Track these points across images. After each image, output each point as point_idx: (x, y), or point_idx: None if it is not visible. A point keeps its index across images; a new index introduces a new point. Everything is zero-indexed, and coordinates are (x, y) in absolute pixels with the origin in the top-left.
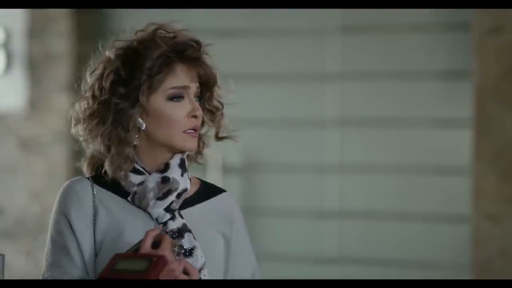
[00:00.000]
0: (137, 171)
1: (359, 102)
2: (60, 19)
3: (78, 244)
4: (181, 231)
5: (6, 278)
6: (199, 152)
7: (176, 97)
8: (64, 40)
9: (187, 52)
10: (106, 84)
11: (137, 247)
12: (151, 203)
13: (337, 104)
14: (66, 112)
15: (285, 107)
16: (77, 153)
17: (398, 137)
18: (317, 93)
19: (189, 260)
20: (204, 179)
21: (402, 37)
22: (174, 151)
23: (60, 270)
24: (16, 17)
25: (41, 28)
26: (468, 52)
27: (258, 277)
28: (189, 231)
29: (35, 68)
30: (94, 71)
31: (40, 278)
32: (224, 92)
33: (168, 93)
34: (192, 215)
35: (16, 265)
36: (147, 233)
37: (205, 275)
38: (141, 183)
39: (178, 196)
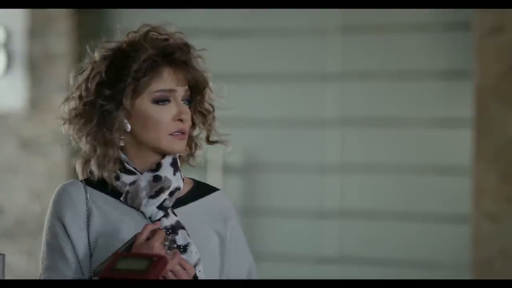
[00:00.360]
0: (129, 172)
1: (360, 102)
2: (61, 19)
3: (73, 246)
4: (175, 228)
5: (6, 278)
6: (191, 154)
7: (161, 100)
8: (65, 40)
9: (174, 56)
10: (92, 85)
11: (130, 243)
12: (144, 201)
13: (338, 104)
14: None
15: (285, 107)
16: (77, 153)
17: (399, 137)
18: (317, 93)
19: (184, 256)
20: (203, 180)
21: (402, 37)
22: (162, 153)
23: (56, 273)
24: (16, 17)
25: (41, 28)
26: (468, 52)
27: (254, 274)
28: (183, 228)
29: (36, 68)
30: (83, 71)
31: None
32: (216, 96)
33: (154, 96)
34: (185, 214)
35: (16, 265)
36: (145, 226)
37: (200, 271)
38: (133, 183)
39: (171, 194)
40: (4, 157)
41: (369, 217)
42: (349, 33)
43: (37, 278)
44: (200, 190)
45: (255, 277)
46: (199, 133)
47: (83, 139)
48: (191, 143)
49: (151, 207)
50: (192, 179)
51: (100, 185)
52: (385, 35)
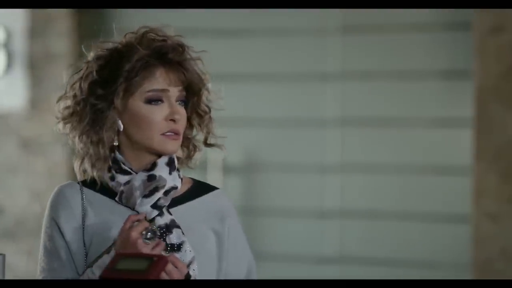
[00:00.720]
0: (124, 172)
1: (360, 102)
2: (61, 19)
3: (68, 246)
4: (169, 227)
5: (6, 278)
6: (189, 156)
7: (154, 100)
8: (65, 40)
9: (168, 56)
10: (85, 84)
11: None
12: (138, 201)
13: (338, 104)
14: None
15: (285, 106)
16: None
17: (399, 137)
18: (317, 93)
19: (178, 254)
20: (203, 180)
21: (402, 37)
22: (155, 153)
23: (52, 274)
24: (16, 17)
25: (41, 28)
26: (468, 52)
27: (254, 272)
28: (178, 226)
29: (36, 68)
30: (79, 70)
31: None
32: (214, 97)
33: (146, 95)
34: (182, 213)
35: (17, 265)
36: (129, 216)
37: (194, 270)
38: (128, 182)
39: (166, 193)
40: (4, 157)
41: (369, 217)
42: (349, 33)
43: (37, 278)
44: (199, 189)
45: (255, 275)
46: (196, 134)
47: (77, 138)
48: (189, 144)
49: (145, 206)
50: (192, 178)
51: (95, 185)
52: (385, 35)
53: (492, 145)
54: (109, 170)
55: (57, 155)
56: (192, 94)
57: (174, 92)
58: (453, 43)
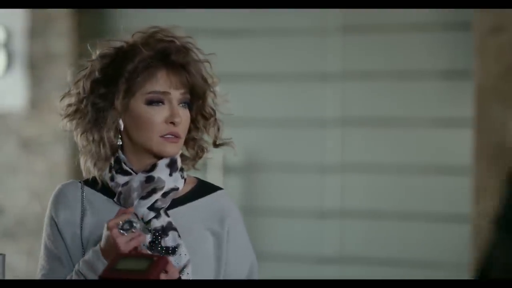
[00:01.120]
0: (124, 172)
1: (360, 102)
2: (61, 19)
3: (67, 245)
4: (165, 230)
5: (6, 278)
6: (196, 158)
7: (154, 102)
8: (65, 40)
9: (170, 58)
10: (88, 82)
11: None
12: (135, 202)
13: (338, 104)
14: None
15: (286, 106)
16: (78, 152)
17: (399, 137)
18: (318, 93)
19: (172, 258)
20: (203, 179)
21: (402, 36)
22: (155, 155)
23: (51, 271)
24: (16, 17)
25: (41, 28)
26: (468, 52)
27: (256, 273)
28: (174, 229)
29: (36, 68)
30: (85, 68)
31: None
32: (221, 101)
33: (146, 97)
34: (182, 214)
35: (17, 265)
36: (119, 210)
37: (189, 273)
38: (126, 183)
39: (164, 195)
40: (4, 157)
41: (369, 217)
42: (350, 33)
43: (36, 278)
44: (201, 190)
45: (256, 276)
46: (202, 135)
47: (79, 135)
48: (195, 145)
49: (142, 208)
50: (197, 178)
51: (96, 185)
52: (385, 35)
53: (492, 144)
54: (110, 170)
55: (57, 155)
56: (196, 97)
57: (176, 94)
58: (453, 43)
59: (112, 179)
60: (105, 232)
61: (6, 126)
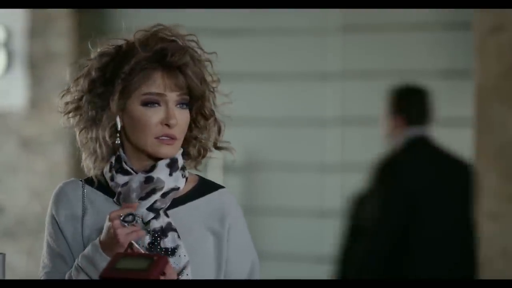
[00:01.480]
0: (125, 172)
1: (360, 101)
2: (61, 19)
3: (68, 244)
4: (165, 231)
5: (6, 277)
6: (199, 157)
7: (150, 103)
8: (65, 40)
9: (166, 59)
10: (86, 81)
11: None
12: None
13: (338, 103)
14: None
15: (286, 106)
16: (78, 152)
17: None
18: (318, 92)
19: (172, 259)
20: (205, 177)
21: (402, 36)
22: (150, 156)
23: (53, 269)
24: (16, 17)
25: (41, 28)
26: (468, 51)
27: (257, 272)
28: (174, 230)
29: (36, 68)
30: (85, 67)
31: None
32: (222, 101)
33: (142, 98)
34: (182, 214)
35: (17, 264)
36: (123, 204)
37: (188, 275)
38: (126, 184)
39: (164, 195)
40: (4, 157)
41: None
42: (350, 32)
43: (38, 277)
44: (202, 188)
45: (257, 275)
46: (204, 135)
47: (78, 133)
48: (196, 144)
49: (141, 209)
50: (199, 176)
51: (97, 184)
52: (385, 34)
53: (493, 144)
54: (110, 170)
55: (57, 154)
56: (195, 98)
57: (172, 96)
58: (453, 43)
59: (112, 179)
60: (106, 223)
61: (6, 126)
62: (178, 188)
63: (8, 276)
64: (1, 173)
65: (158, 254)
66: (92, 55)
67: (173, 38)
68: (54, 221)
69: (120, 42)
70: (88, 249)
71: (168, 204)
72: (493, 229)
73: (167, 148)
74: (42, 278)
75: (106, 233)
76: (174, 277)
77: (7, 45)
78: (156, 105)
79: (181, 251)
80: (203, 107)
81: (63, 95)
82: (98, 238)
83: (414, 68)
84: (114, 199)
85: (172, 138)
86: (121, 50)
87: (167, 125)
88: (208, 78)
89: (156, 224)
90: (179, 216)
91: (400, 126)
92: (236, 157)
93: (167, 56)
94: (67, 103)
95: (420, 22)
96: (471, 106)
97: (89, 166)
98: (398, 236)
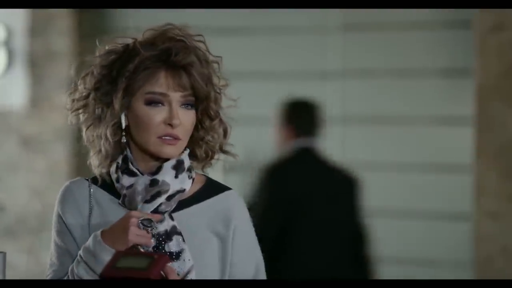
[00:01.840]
0: (131, 173)
1: (360, 100)
2: (61, 18)
3: (76, 242)
4: (169, 234)
5: (7, 276)
6: (207, 158)
7: (153, 103)
8: (65, 38)
9: (170, 59)
10: (93, 78)
11: None
12: (139, 206)
13: (339, 102)
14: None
15: None
16: (78, 151)
17: (399, 135)
18: (318, 91)
19: (176, 263)
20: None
21: (403, 35)
22: (152, 155)
23: (60, 268)
24: (17, 16)
25: (42, 26)
26: (469, 50)
27: (262, 276)
28: (179, 233)
29: (36, 66)
30: (93, 65)
31: (41, 276)
32: (227, 104)
33: (145, 97)
34: (187, 216)
35: (17, 263)
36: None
37: (192, 279)
38: (131, 186)
39: (169, 198)
40: (5, 155)
41: (370, 215)
42: (350, 31)
43: (38, 276)
44: (209, 190)
45: (262, 278)
46: (211, 136)
47: (84, 131)
48: (203, 145)
49: (145, 212)
50: (206, 177)
51: (104, 184)
52: (385, 33)
53: (493, 143)
54: (116, 171)
55: (57, 153)
56: (200, 99)
57: (175, 96)
58: (453, 41)
59: (118, 180)
60: (123, 216)
61: (7, 124)
62: (183, 190)
63: (9, 275)
64: (1, 172)
65: (159, 253)
66: (100, 53)
67: (182, 38)
68: (61, 220)
69: (129, 40)
70: (89, 240)
71: (173, 207)
72: (493, 228)
73: (170, 148)
74: (49, 277)
75: (119, 223)
76: (174, 277)
77: (7, 43)
78: (160, 104)
79: (186, 255)
80: (208, 108)
81: (70, 93)
82: (100, 230)
83: (414, 66)
84: (120, 201)
85: (175, 138)
86: (128, 49)
87: (170, 125)
88: (215, 80)
89: (161, 228)
90: (184, 218)
91: (289, 136)
92: (238, 160)
93: (171, 55)
94: (74, 101)
95: (420, 21)
96: (471, 105)
97: (95, 164)
98: (277, 238)
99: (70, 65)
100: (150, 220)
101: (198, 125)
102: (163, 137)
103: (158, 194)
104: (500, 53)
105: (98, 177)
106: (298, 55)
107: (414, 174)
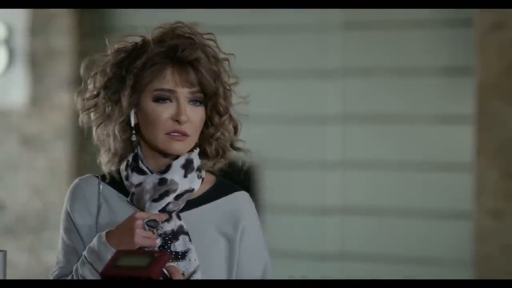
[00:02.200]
0: (140, 171)
1: (361, 99)
2: (62, 17)
3: (83, 241)
4: (176, 234)
5: (7, 275)
6: (217, 156)
7: (161, 99)
8: (66, 37)
9: (177, 55)
10: (102, 77)
11: None
12: (147, 205)
13: (339, 101)
14: (68, 108)
15: (286, 103)
16: (79, 149)
17: (400, 133)
18: (319, 90)
19: (182, 263)
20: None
21: (403, 33)
22: (161, 152)
23: (67, 265)
24: (18, 14)
25: (42, 25)
26: (469, 49)
27: (268, 276)
28: (185, 233)
29: (37, 65)
30: (100, 64)
31: (41, 274)
32: (237, 101)
33: (153, 94)
34: (195, 217)
35: (18, 262)
36: (153, 214)
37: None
38: (139, 184)
39: (177, 197)
40: (5, 154)
41: (370, 214)
42: (350, 30)
43: (39, 274)
44: (218, 191)
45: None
46: (221, 134)
47: (95, 129)
48: (213, 143)
49: (153, 211)
50: (216, 177)
51: (113, 182)
52: (386, 32)
53: (493, 141)
54: (126, 168)
55: (57, 152)
56: (209, 96)
57: (183, 92)
58: (454, 40)
59: (127, 178)
60: (128, 218)
61: (7, 123)
62: (192, 190)
63: (9, 274)
64: (1, 171)
65: (159, 252)
66: (109, 51)
67: (190, 35)
68: (69, 217)
69: (138, 39)
70: (93, 241)
71: (181, 207)
72: (494, 226)
73: (178, 144)
74: (55, 274)
75: (123, 227)
76: (179, 277)
77: (8, 42)
78: (168, 101)
79: (192, 255)
80: (218, 105)
81: (80, 92)
82: (105, 231)
83: (415, 65)
84: (128, 199)
85: (184, 134)
86: (136, 47)
87: (178, 121)
88: (225, 77)
89: (168, 227)
90: (192, 219)
91: None
92: (250, 157)
93: (178, 52)
94: (84, 100)
95: (420, 19)
96: (471, 104)
97: (104, 161)
98: None
99: (74, 64)
100: (155, 221)
101: (208, 122)
102: (171, 134)
103: (166, 193)
104: (500, 52)
105: (107, 174)
106: (298, 53)
107: (415, 173)
